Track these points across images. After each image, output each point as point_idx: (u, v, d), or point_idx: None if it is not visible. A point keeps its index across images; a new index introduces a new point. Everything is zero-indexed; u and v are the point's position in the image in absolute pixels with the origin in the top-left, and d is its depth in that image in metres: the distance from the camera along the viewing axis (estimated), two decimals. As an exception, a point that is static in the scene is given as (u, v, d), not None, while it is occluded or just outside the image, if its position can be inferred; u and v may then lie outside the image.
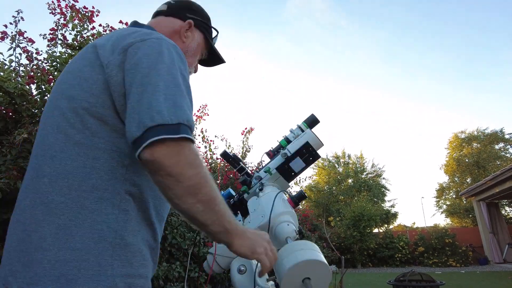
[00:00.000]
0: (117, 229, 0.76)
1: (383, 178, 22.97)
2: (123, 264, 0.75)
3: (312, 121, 1.55)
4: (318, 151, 1.42)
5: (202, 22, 1.18)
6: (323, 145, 1.43)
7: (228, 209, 0.83)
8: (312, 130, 1.48)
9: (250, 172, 1.53)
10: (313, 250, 1.00)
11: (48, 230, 0.73)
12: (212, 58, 1.28)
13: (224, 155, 1.53)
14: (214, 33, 1.26)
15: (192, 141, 0.75)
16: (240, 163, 1.53)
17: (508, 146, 22.67)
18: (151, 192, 0.85)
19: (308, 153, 1.41)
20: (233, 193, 1.48)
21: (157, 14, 1.16)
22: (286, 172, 1.41)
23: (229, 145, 6.30)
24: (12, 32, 2.36)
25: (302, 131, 1.50)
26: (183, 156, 0.73)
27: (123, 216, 0.78)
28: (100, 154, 0.79)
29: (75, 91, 0.83)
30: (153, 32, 0.89)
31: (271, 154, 1.53)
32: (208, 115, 5.05)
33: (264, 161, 1.55)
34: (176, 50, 0.87)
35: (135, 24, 1.07)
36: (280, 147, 1.52)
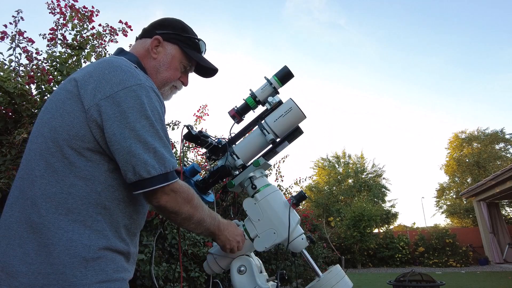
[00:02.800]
0: (90, 245, 0.87)
1: (384, 178, 22.96)
2: (97, 273, 0.86)
3: (284, 75, 1.36)
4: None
5: (174, 34, 1.18)
6: (306, 117, 1.33)
7: (212, 216, 1.12)
8: (293, 100, 1.33)
9: (219, 144, 1.39)
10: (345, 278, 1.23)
11: (31, 246, 0.84)
12: (205, 67, 1.26)
13: (189, 136, 1.34)
14: (201, 44, 1.24)
15: (178, 178, 0.97)
16: (209, 139, 1.38)
17: (509, 146, 22.65)
18: (121, 214, 0.96)
19: (295, 134, 1.38)
20: (198, 169, 1.39)
21: (136, 39, 1.23)
22: (271, 155, 1.40)
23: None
24: (12, 32, 2.36)
25: (271, 84, 1.36)
26: (180, 197, 0.97)
27: (95, 235, 0.89)
28: (76, 181, 0.89)
29: (57, 122, 0.92)
30: (132, 74, 0.95)
31: (236, 115, 1.39)
32: (208, 115, 5.05)
33: (234, 132, 1.42)
34: (154, 93, 0.98)
35: (121, 52, 1.15)
36: (247, 106, 1.38)
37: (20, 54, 2.36)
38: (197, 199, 1.06)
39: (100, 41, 3.01)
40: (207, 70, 1.28)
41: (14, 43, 2.33)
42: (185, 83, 1.24)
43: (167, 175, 0.92)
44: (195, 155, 4.77)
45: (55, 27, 2.81)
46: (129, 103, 0.90)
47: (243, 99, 1.39)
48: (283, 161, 6.37)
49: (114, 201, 0.94)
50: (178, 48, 1.18)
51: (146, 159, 0.89)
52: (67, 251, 0.84)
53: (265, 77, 1.38)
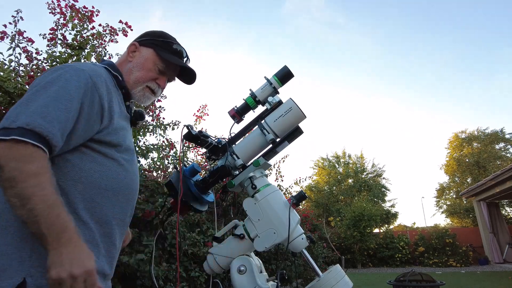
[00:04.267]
0: None
1: (383, 178, 22.95)
2: (41, 256, 0.84)
3: (284, 75, 1.37)
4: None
5: (151, 39, 1.26)
6: (306, 117, 1.33)
7: (56, 212, 0.82)
8: (293, 99, 1.33)
9: (219, 144, 1.39)
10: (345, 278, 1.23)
11: None
12: (187, 72, 1.33)
13: (189, 136, 1.34)
14: (177, 47, 1.29)
15: (27, 142, 0.82)
16: (209, 138, 1.39)
17: (509, 146, 22.64)
18: (80, 196, 0.97)
19: (295, 134, 1.38)
20: (198, 169, 1.39)
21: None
22: (271, 155, 1.40)
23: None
24: (11, 32, 2.36)
25: (270, 84, 1.37)
26: (13, 152, 0.80)
27: None
28: None
29: None
30: (74, 65, 1.04)
31: (236, 115, 1.39)
32: (208, 115, 5.06)
33: (234, 132, 1.43)
34: (77, 73, 0.99)
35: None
36: (247, 106, 1.39)
37: (20, 54, 2.37)
38: (43, 169, 0.84)
39: (100, 41, 3.01)
40: (188, 75, 1.34)
41: (14, 43, 2.33)
42: (161, 86, 1.27)
43: (14, 130, 0.81)
44: (195, 155, 4.78)
45: (55, 27, 2.81)
46: (47, 79, 0.96)
47: (243, 99, 1.40)
48: (283, 161, 6.39)
49: (70, 180, 0.96)
50: (153, 51, 1.25)
51: (7, 113, 0.88)
52: (14, 238, 0.88)
53: (265, 77, 1.38)
